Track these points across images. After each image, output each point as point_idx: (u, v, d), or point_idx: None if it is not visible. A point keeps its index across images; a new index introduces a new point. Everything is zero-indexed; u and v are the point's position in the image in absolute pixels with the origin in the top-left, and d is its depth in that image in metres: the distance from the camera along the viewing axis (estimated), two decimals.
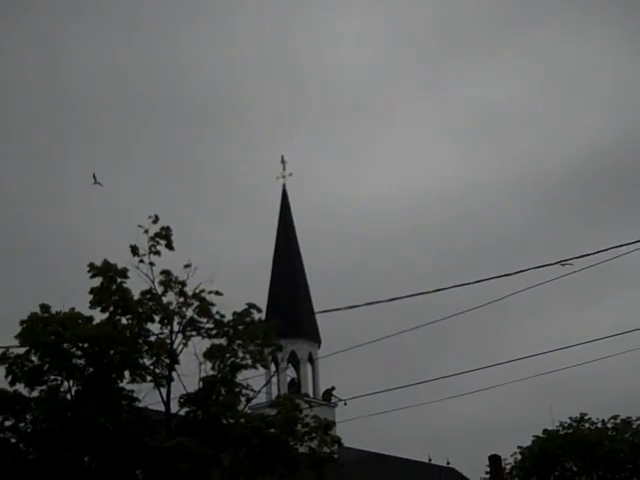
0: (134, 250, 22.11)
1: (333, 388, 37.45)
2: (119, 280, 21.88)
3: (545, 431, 43.68)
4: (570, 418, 43.91)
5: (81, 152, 58.97)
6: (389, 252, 61.81)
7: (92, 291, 21.69)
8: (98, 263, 21.89)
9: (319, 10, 70.68)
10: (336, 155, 67.39)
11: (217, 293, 22.39)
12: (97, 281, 21.87)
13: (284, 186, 40.46)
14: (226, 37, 67.29)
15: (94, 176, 24.13)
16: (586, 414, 43.66)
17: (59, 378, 21.31)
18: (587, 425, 43.47)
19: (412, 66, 70.89)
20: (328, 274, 51.75)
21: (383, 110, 70.36)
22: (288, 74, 68.05)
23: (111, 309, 21.80)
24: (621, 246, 18.18)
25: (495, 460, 43.01)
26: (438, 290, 19.72)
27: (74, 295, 22.49)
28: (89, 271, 21.79)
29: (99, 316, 21.87)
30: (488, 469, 43.85)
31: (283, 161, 40.05)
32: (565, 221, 64.11)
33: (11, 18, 58.73)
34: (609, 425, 43.31)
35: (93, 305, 21.71)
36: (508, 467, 44.84)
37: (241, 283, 38.40)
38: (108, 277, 21.70)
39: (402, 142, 69.60)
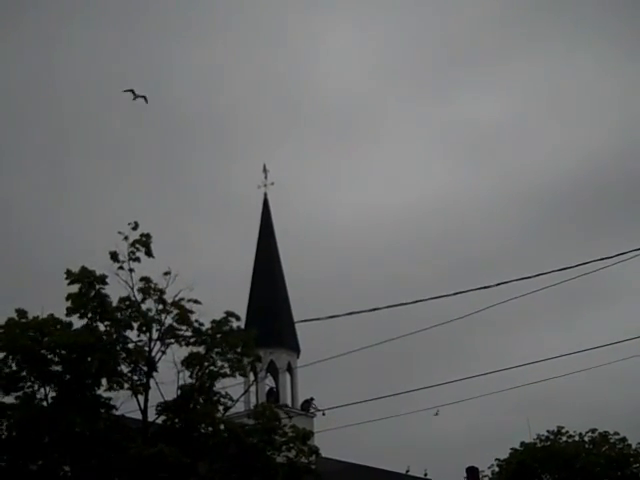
0: (114, 256, 22.00)
1: (312, 399, 37.41)
2: (98, 286, 21.75)
3: (523, 444, 43.82)
4: (548, 431, 44.09)
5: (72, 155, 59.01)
6: (373, 264, 62.03)
7: (69, 297, 21.55)
8: (81, 268, 21.75)
9: (311, 18, 71.02)
10: (322, 166, 67.68)
11: (195, 302, 22.32)
12: (76, 287, 21.73)
13: (265, 195, 40.50)
14: (214, 43, 67.43)
15: (133, 91, 22.95)
16: (563, 427, 43.90)
17: (35, 384, 21.14)
18: (564, 438, 43.68)
19: (405, 80, 71.44)
20: (309, 284, 51.78)
21: (374, 123, 70.69)
22: (277, 84, 68.32)
23: (89, 315, 21.65)
24: (602, 259, 18.37)
25: (473, 472, 43.21)
26: (418, 301, 19.85)
27: (54, 301, 22.35)
28: (66, 278, 21.66)
29: (78, 322, 21.76)
30: None
31: (265, 170, 40.10)
32: (558, 235, 64.61)
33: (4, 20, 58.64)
34: (586, 438, 43.53)
35: (71, 312, 21.56)
36: (486, 479, 44.95)
37: (222, 291, 38.31)
38: (86, 283, 21.56)
39: (391, 155, 70.14)
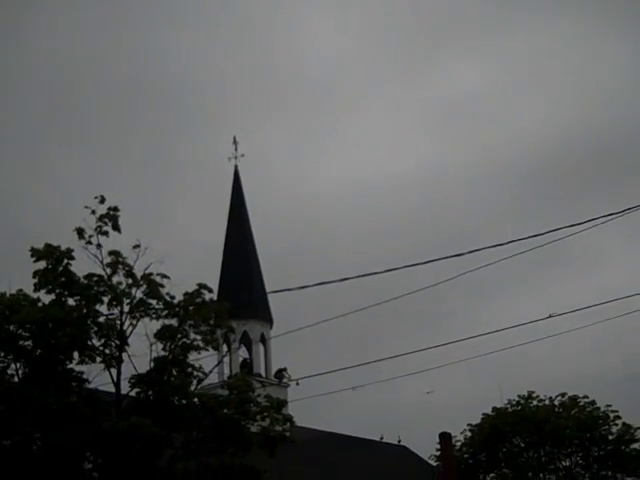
0: (79, 232, 21.79)
1: (285, 369, 37.60)
2: (65, 262, 21.56)
3: (494, 409, 44.46)
4: (519, 396, 44.76)
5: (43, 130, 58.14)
6: (346, 235, 62.15)
7: (36, 274, 21.36)
8: (45, 245, 21.52)
9: None
10: (298, 138, 67.31)
11: (164, 276, 22.21)
12: (43, 264, 21.54)
13: (236, 167, 40.31)
14: (184, 14, 66.59)
15: None
16: (534, 392, 44.55)
17: (5, 360, 21.00)
18: (535, 402, 44.38)
19: (387, 51, 71.02)
20: (281, 256, 51.80)
21: (355, 94, 70.46)
22: (254, 58, 67.60)
23: (57, 291, 21.49)
24: (572, 226, 18.48)
25: (445, 437, 43.66)
26: (388, 270, 19.87)
27: (22, 276, 22.13)
28: (32, 255, 21.45)
29: (46, 298, 21.59)
30: (438, 446, 44.57)
31: (235, 142, 39.89)
32: (536, 205, 65.05)
33: None
34: (556, 402, 44.27)
35: (38, 288, 21.38)
36: (458, 444, 45.58)
37: (194, 263, 38.25)
38: (53, 259, 21.37)
39: (372, 127, 69.86)
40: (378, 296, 22.07)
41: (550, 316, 20.15)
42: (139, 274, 22.28)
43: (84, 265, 22.05)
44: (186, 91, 64.59)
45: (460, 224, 59.44)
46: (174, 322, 22.61)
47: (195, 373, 22.78)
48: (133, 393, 22.21)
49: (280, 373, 37.58)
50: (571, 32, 67.00)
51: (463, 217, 62.39)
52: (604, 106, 66.32)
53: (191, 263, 38.42)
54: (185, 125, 65.79)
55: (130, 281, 22.20)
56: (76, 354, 21.43)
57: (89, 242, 22.01)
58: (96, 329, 21.72)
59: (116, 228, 22.21)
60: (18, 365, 21.15)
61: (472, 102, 68.86)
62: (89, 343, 21.59)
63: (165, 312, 22.55)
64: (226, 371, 35.09)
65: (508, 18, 68.45)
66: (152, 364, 22.12)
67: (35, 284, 21.41)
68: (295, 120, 68.95)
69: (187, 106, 63.86)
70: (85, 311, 21.64)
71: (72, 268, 21.76)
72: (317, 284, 20.84)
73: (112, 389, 22.09)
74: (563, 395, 44.49)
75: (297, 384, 28.75)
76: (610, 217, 18.24)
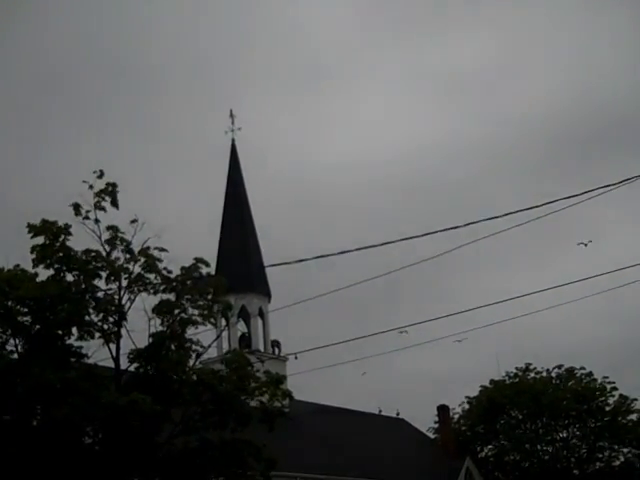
0: (76, 208, 21.64)
1: (277, 342, 37.72)
2: (62, 237, 21.45)
3: (492, 381, 44.69)
4: (516, 368, 45.00)
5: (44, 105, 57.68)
6: (344, 208, 62.07)
7: (33, 249, 21.26)
8: (42, 220, 21.39)
9: None
10: (296, 111, 67.04)
11: (162, 250, 22.12)
12: (41, 239, 21.43)
13: (233, 140, 40.14)
14: None
15: None
16: (531, 364, 44.75)
17: (4, 336, 20.98)
18: (532, 374, 44.63)
19: (387, 26, 70.49)
20: (279, 228, 51.75)
21: (356, 70, 70.09)
22: (251, 31, 67.06)
23: (56, 266, 21.41)
24: (570, 197, 18.39)
25: (443, 410, 44.03)
26: (386, 243, 19.79)
27: (20, 252, 22.02)
28: (29, 232, 21.34)
29: (44, 273, 21.51)
30: (437, 419, 44.90)
31: (232, 115, 39.70)
32: (529, 179, 64.99)
33: None
34: (553, 374, 44.54)
35: (36, 263, 21.30)
36: (456, 417, 45.87)
37: (192, 237, 38.17)
38: (50, 234, 21.26)
39: (371, 102, 69.51)
40: (378, 270, 22.05)
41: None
42: (137, 249, 22.18)
43: (83, 240, 21.98)
44: (186, 66, 64.24)
45: (465, 201, 59.41)
46: (172, 297, 22.55)
47: (194, 347, 22.76)
48: (132, 368, 22.22)
49: (277, 343, 37.73)
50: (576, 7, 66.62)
51: (466, 195, 62.34)
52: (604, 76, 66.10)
53: (189, 237, 38.34)
54: (184, 100, 65.43)
55: (128, 256, 22.10)
56: (75, 329, 21.39)
57: (86, 217, 21.89)
58: (94, 304, 21.66)
59: (115, 204, 22.07)
60: (17, 341, 21.14)
61: (474, 76, 68.66)
62: (87, 319, 21.54)
63: (163, 287, 22.48)
64: (224, 345, 35.18)
65: None
66: (150, 339, 22.11)
67: (33, 260, 21.30)
68: (290, 94, 68.51)
69: (187, 82, 63.57)
70: (83, 286, 21.57)
71: (70, 244, 21.68)
72: (315, 257, 20.81)
73: (111, 364, 22.10)
74: (560, 367, 44.71)
75: (295, 358, 28.85)
76: (607, 188, 18.15)
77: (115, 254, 22.11)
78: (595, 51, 67.53)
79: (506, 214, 19.06)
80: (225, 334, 34.77)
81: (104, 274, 21.81)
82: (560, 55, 70.15)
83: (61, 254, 21.34)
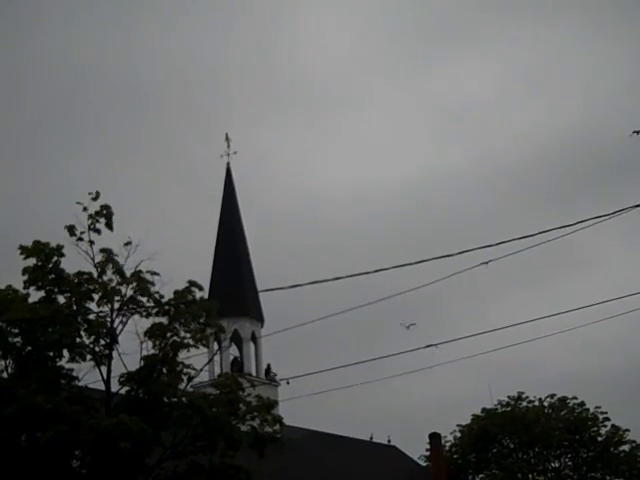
0: (70, 230, 21.65)
1: (268, 366, 37.57)
2: (55, 258, 21.43)
3: (484, 410, 44.50)
4: (508, 397, 44.82)
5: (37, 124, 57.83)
6: (340, 235, 62.13)
7: (25, 271, 21.23)
8: (34, 242, 21.39)
9: None
10: (293, 136, 67.28)
11: (154, 273, 22.11)
12: (31, 262, 21.43)
13: (228, 164, 40.23)
14: (177, 11, 66.41)
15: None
16: (524, 393, 44.61)
17: None
18: (525, 403, 44.45)
19: (384, 55, 71.09)
20: (273, 253, 51.74)
21: (355, 94, 70.57)
22: (255, 59, 67.46)
23: (47, 288, 21.37)
24: (564, 227, 18.43)
25: (435, 438, 43.72)
26: (379, 270, 19.67)
27: (12, 272, 22.00)
28: (21, 253, 21.33)
29: (36, 295, 21.46)
30: (428, 447, 44.61)
31: (227, 139, 39.79)
32: (531, 208, 65.22)
33: None
34: (545, 403, 44.36)
35: (27, 285, 21.26)
36: (448, 445, 45.59)
37: (185, 261, 38.14)
38: (43, 256, 21.24)
39: (370, 126, 69.88)
40: (371, 296, 21.99)
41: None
42: (130, 271, 22.18)
43: (75, 262, 21.95)
44: (183, 89, 64.57)
45: (460, 226, 59.52)
46: (164, 320, 22.51)
47: (185, 370, 22.69)
48: (123, 391, 22.11)
49: (269, 370, 37.57)
50: (571, 36, 67.27)
51: (463, 219, 62.47)
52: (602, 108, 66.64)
53: (183, 260, 38.33)
54: (179, 123, 65.67)
55: (120, 279, 22.08)
56: (66, 351, 21.31)
57: (80, 239, 21.89)
58: (86, 326, 21.60)
59: (109, 226, 22.08)
60: (7, 362, 21.04)
61: (473, 105, 69.05)
62: (79, 341, 21.48)
63: (155, 310, 22.44)
64: (216, 369, 35.01)
65: (509, 22, 68.66)
66: (142, 362, 22.03)
67: (25, 281, 21.28)
68: (292, 120, 68.86)
69: (183, 106, 63.90)
70: (75, 308, 21.53)
71: (63, 265, 21.65)
72: (309, 283, 20.72)
73: (102, 387, 22.00)
74: (552, 396, 44.56)
75: (287, 383, 28.71)
76: (599, 219, 18.20)
77: (107, 276, 22.11)
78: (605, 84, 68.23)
79: (498, 243, 19.07)
80: (217, 358, 34.65)
81: (96, 296, 21.80)
82: (558, 85, 70.79)
83: (53, 276, 21.32)
